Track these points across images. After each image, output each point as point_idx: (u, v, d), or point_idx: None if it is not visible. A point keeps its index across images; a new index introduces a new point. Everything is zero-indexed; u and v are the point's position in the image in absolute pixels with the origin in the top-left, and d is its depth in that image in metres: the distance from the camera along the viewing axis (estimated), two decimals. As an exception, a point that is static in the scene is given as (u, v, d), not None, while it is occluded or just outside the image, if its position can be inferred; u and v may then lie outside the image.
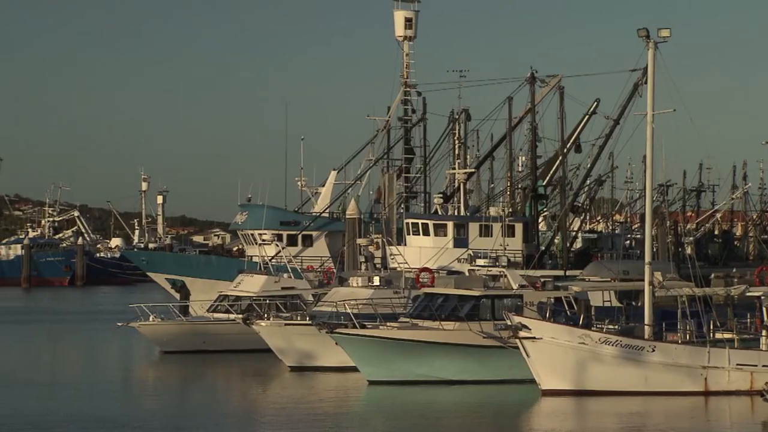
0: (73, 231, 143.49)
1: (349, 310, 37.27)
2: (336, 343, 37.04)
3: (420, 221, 52.55)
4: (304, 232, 63.60)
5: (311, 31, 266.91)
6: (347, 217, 57.05)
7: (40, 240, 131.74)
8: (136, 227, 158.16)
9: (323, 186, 66.21)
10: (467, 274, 41.96)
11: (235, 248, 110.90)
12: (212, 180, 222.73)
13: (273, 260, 52.49)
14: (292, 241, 62.24)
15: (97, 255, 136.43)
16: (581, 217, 61.67)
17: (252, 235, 63.29)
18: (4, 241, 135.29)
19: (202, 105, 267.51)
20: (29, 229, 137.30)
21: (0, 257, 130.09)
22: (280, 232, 62.24)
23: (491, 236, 49.77)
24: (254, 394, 36.67)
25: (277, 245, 57.08)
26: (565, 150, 54.16)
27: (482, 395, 34.41)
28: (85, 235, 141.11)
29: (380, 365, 36.31)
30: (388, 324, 36.96)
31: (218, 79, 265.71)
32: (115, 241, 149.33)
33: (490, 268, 39.85)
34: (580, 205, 58.81)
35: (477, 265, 40.98)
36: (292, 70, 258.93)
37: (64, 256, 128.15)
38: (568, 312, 37.27)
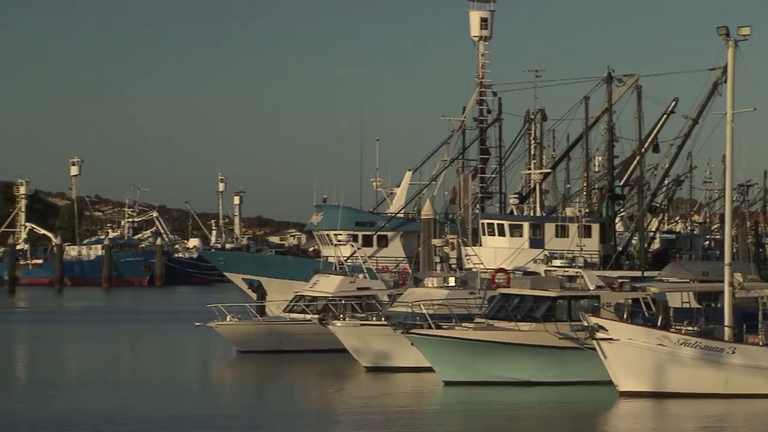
0: (151, 231, 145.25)
1: (424, 311, 37.24)
2: (411, 344, 37.05)
3: (495, 222, 52.35)
4: (379, 233, 63.70)
5: (386, 31, 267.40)
6: (422, 217, 57.02)
7: (120, 240, 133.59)
8: (214, 228, 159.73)
9: (398, 186, 66.26)
10: (543, 274, 41.72)
11: (310, 249, 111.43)
12: (288, 181, 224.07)
13: (348, 261, 52.67)
14: (367, 242, 62.38)
15: (175, 255, 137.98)
16: (659, 218, 60.95)
17: (327, 235, 63.56)
18: (85, 242, 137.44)
19: (278, 107, 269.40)
20: (109, 230, 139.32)
21: (81, 257, 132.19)
22: (356, 233, 62.39)
23: (567, 237, 49.43)
24: (330, 394, 36.81)
25: (353, 246, 57.25)
26: (643, 150, 53.58)
27: (558, 396, 34.19)
28: (164, 235, 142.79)
29: (455, 366, 36.25)
30: (463, 324, 36.90)
31: (295, 82, 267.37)
32: (193, 242, 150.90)
33: (566, 269, 39.57)
34: (658, 205, 58.12)
35: (553, 266, 40.74)
36: (366, 71, 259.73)
37: (143, 256, 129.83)
38: (646, 313, 36.88)
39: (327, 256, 62.49)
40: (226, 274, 70.03)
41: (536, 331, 35.91)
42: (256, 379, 41.01)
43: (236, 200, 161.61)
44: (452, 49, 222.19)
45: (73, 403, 32.73)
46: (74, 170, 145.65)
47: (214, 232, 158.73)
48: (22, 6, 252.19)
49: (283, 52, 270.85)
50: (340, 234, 59.83)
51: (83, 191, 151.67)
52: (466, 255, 50.36)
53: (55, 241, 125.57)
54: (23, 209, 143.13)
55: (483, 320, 37.55)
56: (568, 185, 62.76)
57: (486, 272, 44.81)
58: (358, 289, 47.81)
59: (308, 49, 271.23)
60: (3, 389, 36.63)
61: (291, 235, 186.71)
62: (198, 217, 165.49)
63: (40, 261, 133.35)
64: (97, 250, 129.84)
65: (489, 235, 51.79)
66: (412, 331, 36.61)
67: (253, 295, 61.34)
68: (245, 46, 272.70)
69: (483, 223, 52.59)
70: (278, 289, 61.26)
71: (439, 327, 36.45)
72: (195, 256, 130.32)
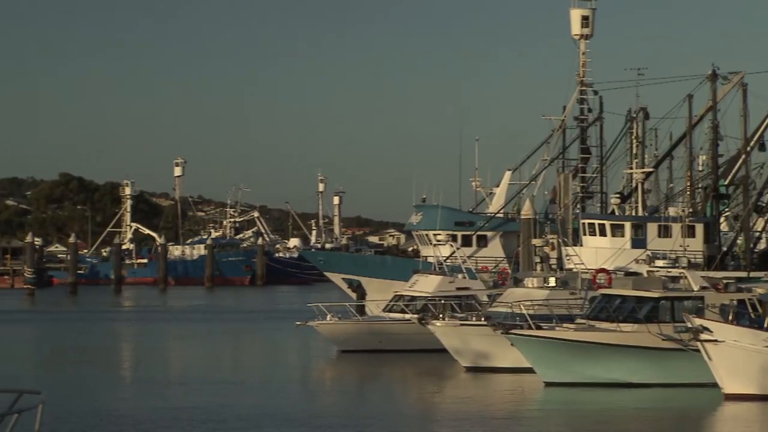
0: (253, 231, 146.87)
1: (524, 311, 37.00)
2: (511, 344, 36.82)
3: (597, 221, 51.77)
4: (478, 233, 63.46)
5: (486, 31, 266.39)
6: (522, 217, 56.65)
7: (222, 240, 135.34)
8: (314, 228, 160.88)
9: (498, 186, 65.94)
10: (645, 275, 41.12)
11: (410, 248, 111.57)
12: (388, 181, 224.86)
13: (448, 260, 52.58)
14: (466, 242, 62.18)
15: (276, 255, 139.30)
16: (765, 217, 59.69)
17: (427, 235, 63.51)
18: (188, 242, 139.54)
19: (378, 107, 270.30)
20: (212, 230, 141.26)
21: (184, 257, 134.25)
22: (455, 233, 62.25)
23: (670, 237, 48.67)
24: (430, 394, 36.76)
25: (452, 246, 57.14)
26: (748, 148, 52.51)
27: (662, 399, 33.67)
28: (265, 235, 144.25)
29: (556, 367, 35.92)
30: (564, 325, 36.55)
31: (395, 83, 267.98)
32: (293, 242, 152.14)
33: (669, 269, 38.96)
34: (764, 204, 56.93)
35: (656, 266, 40.11)
36: (466, 70, 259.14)
37: (245, 256, 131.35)
38: (752, 315, 36.10)
39: (426, 256, 62.45)
40: (326, 273, 70.46)
41: (638, 332, 35.41)
42: (357, 378, 41.15)
43: (336, 200, 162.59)
44: (553, 48, 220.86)
45: (174, 401, 33.20)
46: (178, 171, 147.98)
47: (314, 232, 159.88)
48: (130, 6, 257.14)
49: (382, 54, 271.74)
50: (439, 234, 59.74)
51: (186, 192, 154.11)
52: (567, 255, 49.89)
53: (160, 241, 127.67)
54: (129, 210, 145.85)
55: (584, 321, 37.16)
56: (671, 185, 61.77)
57: (587, 272, 44.35)
58: (458, 289, 47.69)
59: (406, 50, 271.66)
60: (108, 386, 37.34)
61: (390, 235, 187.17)
62: (298, 217, 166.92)
63: (144, 260, 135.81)
64: (200, 250, 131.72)
65: (590, 235, 51.23)
66: (512, 331, 36.39)
67: (353, 295, 61.62)
68: (346, 47, 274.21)
69: (584, 223, 52.04)
70: (378, 288, 61.42)
71: (539, 328, 36.18)
72: (295, 255, 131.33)
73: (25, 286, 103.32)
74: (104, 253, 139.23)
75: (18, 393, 11.55)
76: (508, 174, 65.31)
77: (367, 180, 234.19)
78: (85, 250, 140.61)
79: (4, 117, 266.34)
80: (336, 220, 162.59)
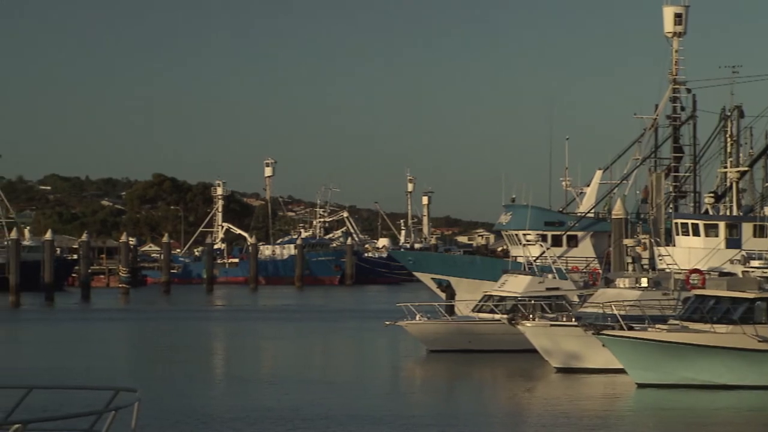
0: (342, 231, 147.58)
1: (616, 312, 36.62)
2: (603, 345, 36.46)
3: (690, 221, 51.03)
4: (568, 233, 62.95)
5: (577, 28, 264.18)
6: (613, 217, 56.05)
7: (312, 240, 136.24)
8: (402, 227, 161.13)
9: (588, 186, 65.32)
10: (740, 275, 40.44)
11: (499, 248, 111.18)
12: (477, 181, 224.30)
13: (537, 261, 52.23)
14: (556, 242, 61.71)
15: (365, 255, 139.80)
16: None
17: (516, 235, 63.18)
18: (278, 241, 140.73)
19: (467, 106, 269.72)
20: (301, 230, 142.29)
21: (275, 257, 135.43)
22: (545, 233, 61.82)
23: (766, 237, 47.74)
24: (520, 395, 36.58)
25: (542, 246, 56.74)
26: None
27: (757, 401, 33.05)
28: (354, 235, 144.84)
29: (649, 368, 35.47)
30: (657, 326, 36.10)
31: (484, 81, 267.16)
32: (382, 241, 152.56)
33: (764, 270, 38.26)
34: None
35: (751, 267, 39.44)
36: (557, 68, 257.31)
37: (335, 255, 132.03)
38: None
39: (516, 256, 62.13)
40: (415, 273, 70.48)
41: (733, 334, 34.82)
42: (446, 378, 41.10)
43: (425, 200, 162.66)
44: (645, 46, 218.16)
45: (263, 400, 33.50)
46: (268, 171, 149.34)
47: (403, 232, 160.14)
48: (222, 8, 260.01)
49: (472, 54, 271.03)
50: (529, 234, 59.37)
51: (277, 192, 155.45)
52: (659, 255, 49.23)
53: (250, 240, 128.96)
54: (220, 210, 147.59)
55: (677, 322, 36.65)
56: (767, 183, 60.59)
57: (680, 273, 43.75)
58: (548, 289, 47.36)
59: (496, 50, 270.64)
60: (199, 384, 37.82)
61: (479, 235, 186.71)
62: (387, 217, 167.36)
63: (236, 260, 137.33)
64: (290, 250, 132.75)
65: (683, 235, 50.51)
66: (604, 332, 36.04)
67: (442, 295, 61.54)
68: (436, 47, 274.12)
69: (677, 223, 51.33)
70: (467, 288, 61.27)
71: (630, 328, 35.78)
72: (384, 255, 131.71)
73: (119, 285, 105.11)
74: (196, 253, 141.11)
75: (115, 391, 11.75)
76: (598, 173, 64.66)
77: (456, 180, 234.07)
78: (178, 250, 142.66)
79: (100, 119, 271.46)
80: (425, 220, 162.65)
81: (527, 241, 55.98)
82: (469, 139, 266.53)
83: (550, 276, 48.48)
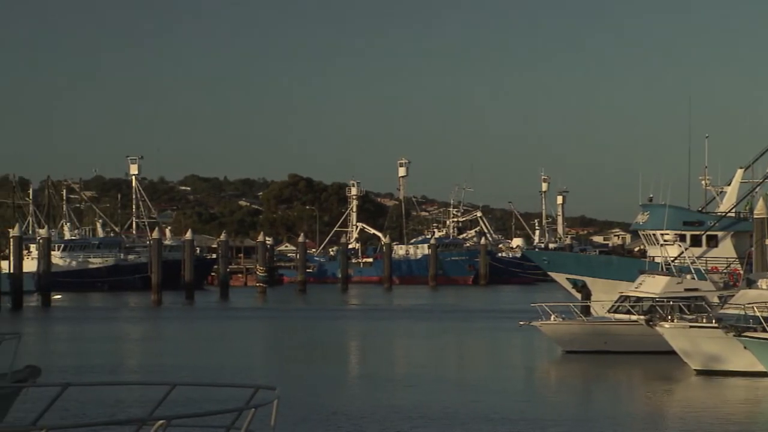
0: (476, 231, 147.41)
1: (758, 313, 35.70)
2: (744, 347, 35.59)
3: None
4: (708, 233, 61.64)
5: (716, 23, 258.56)
6: (755, 216, 54.66)
7: (446, 240, 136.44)
8: (537, 227, 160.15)
9: (729, 185, 63.85)
10: None
11: (635, 248, 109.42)
12: (612, 180, 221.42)
13: (675, 261, 51.25)
14: (695, 242, 60.46)
15: (499, 254, 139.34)
16: None
17: (654, 235, 62.11)
18: (411, 241, 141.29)
19: (600, 104, 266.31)
20: (435, 230, 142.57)
21: (408, 256, 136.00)
22: (683, 233, 60.64)
23: None
24: (659, 397, 35.94)
25: (680, 246, 55.67)
26: None
27: None
28: (488, 235, 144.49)
29: (793, 372, 34.51)
30: (801, 328, 35.07)
31: (619, 78, 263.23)
32: (516, 241, 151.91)
33: None
34: None
35: None
36: (694, 65, 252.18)
37: (468, 255, 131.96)
38: None
39: (653, 257, 61.09)
40: (550, 273, 69.92)
41: None
42: (581, 379, 40.65)
43: (559, 200, 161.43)
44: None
45: (393, 399, 33.60)
46: (402, 171, 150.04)
47: (537, 232, 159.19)
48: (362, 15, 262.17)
49: (606, 51, 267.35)
50: (666, 234, 58.30)
51: (410, 192, 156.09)
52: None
53: (384, 240, 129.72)
54: (355, 210, 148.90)
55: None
56: None
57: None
58: (686, 290, 46.44)
59: (631, 47, 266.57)
60: (332, 383, 38.18)
61: (615, 235, 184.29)
62: (521, 216, 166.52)
63: (370, 260, 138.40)
64: (424, 250, 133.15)
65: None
66: (746, 334, 35.17)
67: (578, 295, 60.90)
68: (575, 46, 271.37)
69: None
70: (603, 289, 60.49)
71: (774, 330, 34.85)
72: (518, 255, 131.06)
73: (257, 284, 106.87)
74: (331, 253, 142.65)
75: (255, 388, 11.98)
76: (740, 172, 63.13)
77: (592, 179, 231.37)
78: (313, 250, 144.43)
79: (237, 121, 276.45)
80: (559, 219, 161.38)
81: (665, 241, 54.99)
82: (605, 138, 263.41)
83: (688, 276, 47.55)
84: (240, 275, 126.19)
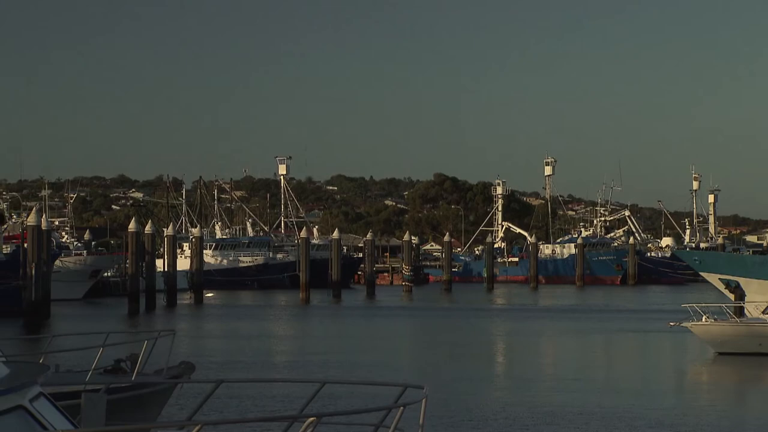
0: (624, 230, 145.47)
1: None
2: None
3: None
4: None
5: None
6: None
7: (593, 239, 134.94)
8: (687, 227, 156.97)
9: None
10: None
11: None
12: (766, 179, 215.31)
13: None
14: None
15: (648, 254, 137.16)
16: None
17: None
18: (558, 241, 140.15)
19: (754, 102, 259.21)
20: (582, 229, 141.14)
21: (554, 256, 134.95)
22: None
23: None
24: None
25: None
26: None
27: None
28: (636, 234, 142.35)
29: None
30: None
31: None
32: (666, 241, 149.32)
33: None
34: None
35: None
36: None
37: (616, 255, 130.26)
38: None
39: (810, 257, 59.23)
40: (701, 273, 68.46)
41: None
42: (734, 382, 39.71)
43: (711, 198, 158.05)
44: None
45: (540, 398, 33.41)
46: (548, 170, 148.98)
47: (687, 231, 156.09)
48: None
49: (748, 47, 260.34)
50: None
51: (556, 191, 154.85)
52: None
53: (530, 239, 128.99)
54: (500, 209, 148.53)
55: None
56: None
57: None
58: None
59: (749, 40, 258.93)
60: (477, 383, 38.14)
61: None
62: (671, 215, 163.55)
63: (515, 259, 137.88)
64: (570, 249, 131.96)
65: None
66: None
67: (731, 296, 59.50)
68: (703, 47, 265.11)
69: None
70: (758, 290, 58.97)
71: None
72: (668, 255, 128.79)
73: (403, 283, 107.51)
74: (477, 252, 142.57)
75: (403, 387, 12.08)
76: None
77: (745, 177, 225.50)
78: (459, 249, 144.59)
79: (382, 123, 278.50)
80: (711, 218, 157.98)
81: (823, 240, 53.25)
82: (758, 136, 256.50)
83: None
84: (386, 274, 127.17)
